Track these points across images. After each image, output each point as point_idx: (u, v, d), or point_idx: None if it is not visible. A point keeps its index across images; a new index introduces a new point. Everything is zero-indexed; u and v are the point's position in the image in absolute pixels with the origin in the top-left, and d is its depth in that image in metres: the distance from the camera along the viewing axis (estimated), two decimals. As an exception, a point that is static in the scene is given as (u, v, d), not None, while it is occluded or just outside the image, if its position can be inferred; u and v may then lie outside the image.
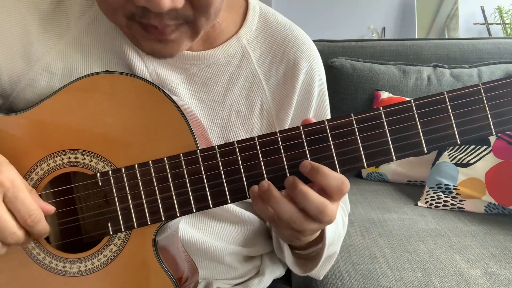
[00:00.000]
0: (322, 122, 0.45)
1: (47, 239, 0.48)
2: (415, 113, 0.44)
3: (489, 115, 0.44)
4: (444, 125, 0.44)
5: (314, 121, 0.46)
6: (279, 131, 0.45)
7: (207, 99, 0.58)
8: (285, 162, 0.45)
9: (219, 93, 0.58)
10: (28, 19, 0.54)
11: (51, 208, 0.45)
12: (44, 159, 0.46)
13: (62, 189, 0.49)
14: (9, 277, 0.46)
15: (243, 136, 0.60)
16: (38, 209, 0.43)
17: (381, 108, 0.44)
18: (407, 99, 0.48)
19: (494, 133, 0.44)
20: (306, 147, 0.45)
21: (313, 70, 0.62)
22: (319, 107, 0.66)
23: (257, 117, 0.60)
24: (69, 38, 0.55)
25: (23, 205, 0.42)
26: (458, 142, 0.44)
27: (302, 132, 0.45)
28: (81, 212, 0.51)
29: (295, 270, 0.62)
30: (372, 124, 0.44)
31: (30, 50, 0.54)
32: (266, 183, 0.44)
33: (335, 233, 0.61)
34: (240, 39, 0.59)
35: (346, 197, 0.71)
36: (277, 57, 0.60)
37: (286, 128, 0.60)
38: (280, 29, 0.61)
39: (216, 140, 0.59)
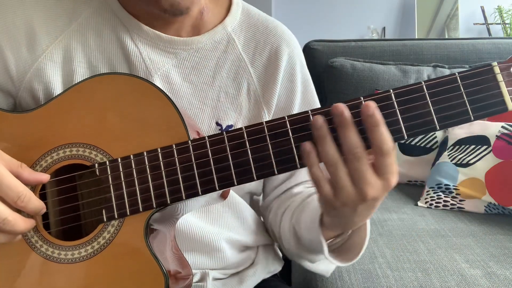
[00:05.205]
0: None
1: (47, 226, 0.50)
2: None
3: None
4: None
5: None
6: (265, 121, 0.46)
7: (198, 81, 0.63)
8: (270, 150, 0.46)
9: (208, 76, 0.64)
10: (31, 10, 0.57)
11: (46, 177, 0.47)
12: (49, 152, 0.50)
13: (64, 178, 0.51)
14: (8, 264, 0.48)
15: (232, 115, 0.65)
16: (25, 189, 0.45)
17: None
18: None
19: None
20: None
21: (294, 55, 0.69)
22: (306, 91, 0.71)
23: (245, 97, 0.66)
24: (73, 27, 0.59)
25: (9, 189, 0.43)
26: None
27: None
28: (81, 200, 0.53)
29: (333, 260, 0.56)
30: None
31: (35, 40, 0.57)
32: (319, 120, 0.43)
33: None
34: (226, 27, 0.65)
35: None
36: (260, 43, 0.67)
37: (272, 105, 0.66)
38: (261, 20, 0.69)
39: (208, 119, 0.64)
